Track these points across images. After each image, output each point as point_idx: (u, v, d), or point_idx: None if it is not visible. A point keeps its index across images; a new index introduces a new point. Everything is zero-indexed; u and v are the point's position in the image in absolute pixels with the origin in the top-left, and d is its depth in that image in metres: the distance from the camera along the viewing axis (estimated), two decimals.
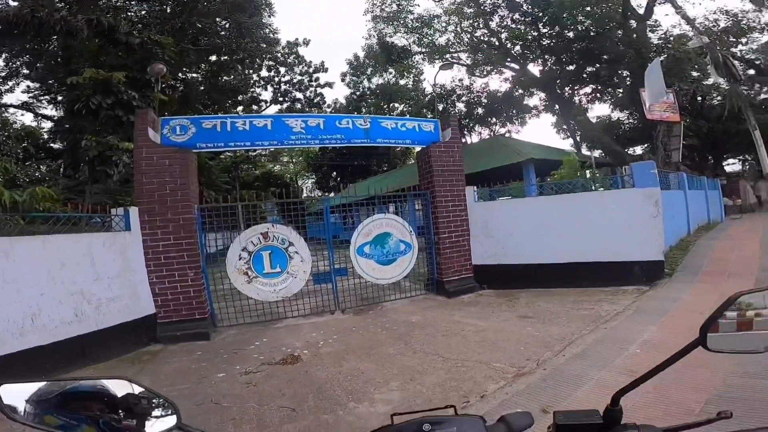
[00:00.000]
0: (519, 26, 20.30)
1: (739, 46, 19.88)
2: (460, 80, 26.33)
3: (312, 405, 3.05)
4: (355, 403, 3.01)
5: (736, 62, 14.14)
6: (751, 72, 20.31)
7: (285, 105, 25.13)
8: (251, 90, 23.46)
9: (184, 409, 0.77)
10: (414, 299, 6.44)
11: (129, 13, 15.13)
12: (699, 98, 21.87)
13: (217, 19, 17.21)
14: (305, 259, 5.79)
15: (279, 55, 23.00)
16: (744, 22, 18.85)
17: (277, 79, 24.45)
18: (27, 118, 19.42)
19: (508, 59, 21.10)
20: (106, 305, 4.59)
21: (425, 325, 5.01)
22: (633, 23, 17.72)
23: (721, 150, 25.33)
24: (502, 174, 9.76)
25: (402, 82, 28.47)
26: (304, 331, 5.14)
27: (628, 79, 19.26)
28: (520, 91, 24.36)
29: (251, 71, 21.86)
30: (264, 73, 23.56)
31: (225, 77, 20.22)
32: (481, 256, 6.77)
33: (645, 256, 5.88)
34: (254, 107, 23.94)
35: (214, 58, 19.09)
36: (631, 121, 25.76)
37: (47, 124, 18.68)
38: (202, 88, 19.55)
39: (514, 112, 26.60)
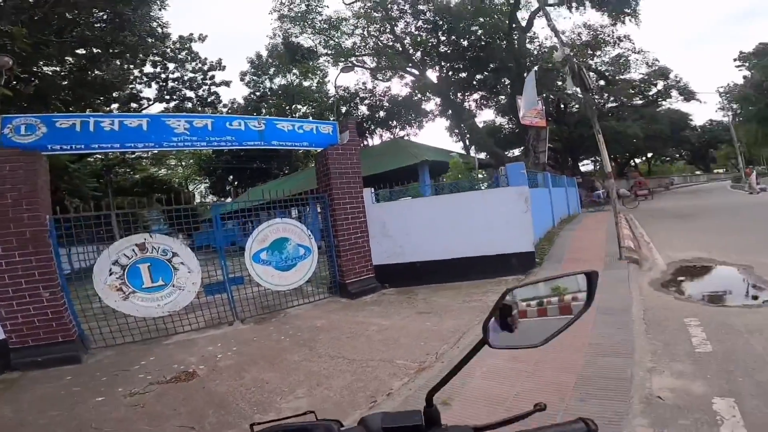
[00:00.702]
0: (421, 33, 21.40)
1: (595, 59, 23.63)
2: (364, 83, 26.92)
3: (214, 421, 2.88)
4: (261, 415, 2.90)
5: (591, 73, 16.82)
6: (602, 83, 24.34)
7: (172, 104, 22.82)
8: (130, 86, 20.78)
9: None
10: (318, 303, 6.38)
11: None
12: (562, 106, 25.66)
13: (94, 11, 14.84)
14: (193, 270, 5.34)
15: (168, 50, 20.79)
16: (600, 36, 22.46)
17: (164, 75, 22.07)
18: None
19: (409, 65, 22.08)
20: None
21: (330, 328, 5.00)
22: (517, 34, 19.66)
23: (578, 152, 30.10)
24: (400, 175, 10.20)
25: (306, 83, 28.01)
26: (198, 346, 4.78)
27: (509, 86, 21.56)
28: (419, 95, 25.77)
29: (132, 66, 19.36)
30: (148, 68, 21.09)
31: (96, 72, 17.55)
32: (380, 256, 6.98)
33: (520, 248, 6.64)
34: (133, 105, 21.28)
35: (82, 51, 16.45)
36: (510, 126, 29.13)
37: None
38: (66, 83, 16.71)
39: (412, 115, 28.03)
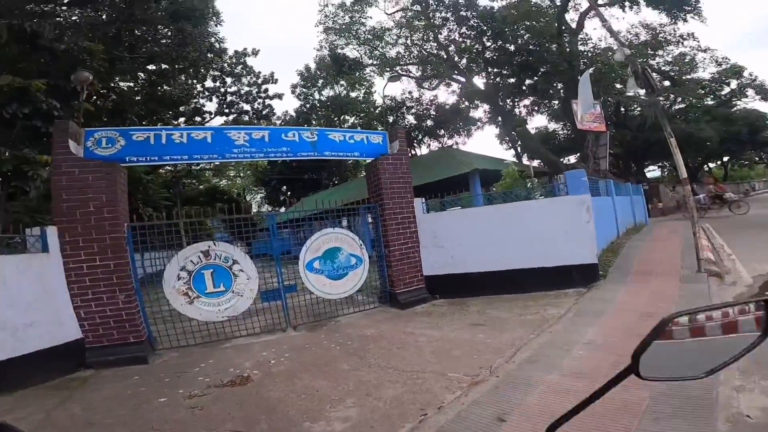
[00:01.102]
0: (465, 40, 21.15)
1: (657, 59, 22.04)
2: (410, 92, 27.01)
3: (265, 427, 2.91)
4: (311, 423, 2.89)
5: (654, 74, 15.59)
6: (667, 83, 22.60)
7: (231, 117, 24.26)
8: (194, 101, 22.46)
9: None
10: (368, 312, 6.36)
11: (58, 19, 13.95)
12: (622, 109, 24.06)
13: (159, 27, 16.35)
14: (251, 277, 5.55)
15: (226, 65, 22.28)
16: (661, 35, 20.94)
17: (222, 89, 23.61)
18: None
19: (455, 72, 21.78)
20: (23, 331, 4.21)
21: (380, 338, 4.95)
22: (567, 37, 18.90)
23: (642, 157, 27.99)
24: (451, 184, 10.04)
25: (353, 94, 28.60)
26: (254, 351, 4.92)
27: (561, 91, 20.60)
28: (466, 103, 25.39)
29: (195, 81, 20.97)
30: (209, 83, 22.70)
31: (165, 87, 19.22)
32: (431, 266, 6.85)
33: (581, 260, 6.23)
34: (197, 119, 22.90)
35: (152, 66, 18.11)
36: (564, 131, 27.80)
37: None
38: (139, 98, 18.41)
39: (460, 123, 27.65)
